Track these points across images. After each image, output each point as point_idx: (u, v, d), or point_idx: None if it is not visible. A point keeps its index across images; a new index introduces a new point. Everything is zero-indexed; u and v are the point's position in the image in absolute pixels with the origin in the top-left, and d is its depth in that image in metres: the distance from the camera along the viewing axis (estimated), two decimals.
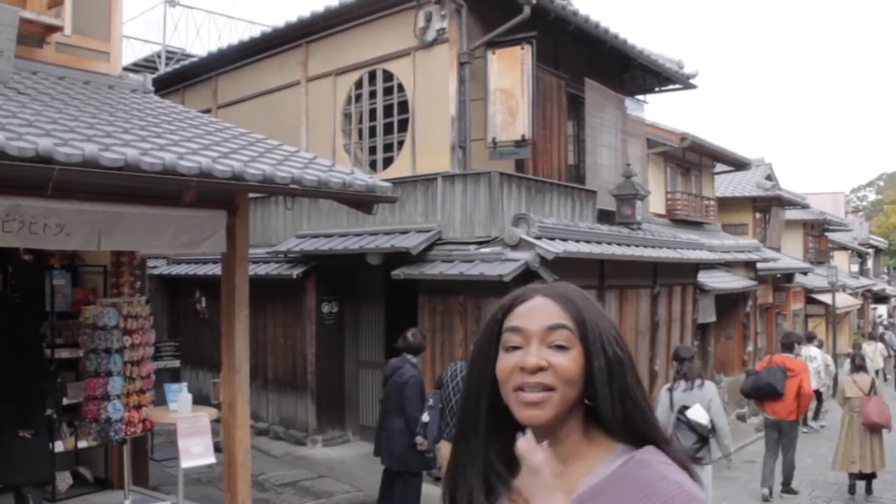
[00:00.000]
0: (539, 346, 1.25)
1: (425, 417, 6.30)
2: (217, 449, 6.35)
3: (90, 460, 7.47)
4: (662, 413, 6.31)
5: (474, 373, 1.36)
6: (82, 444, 6.85)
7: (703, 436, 6.16)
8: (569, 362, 1.24)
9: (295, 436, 10.36)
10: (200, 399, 8.34)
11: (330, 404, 10.39)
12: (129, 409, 6.52)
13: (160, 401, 7.01)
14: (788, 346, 9.25)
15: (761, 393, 8.84)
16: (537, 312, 1.29)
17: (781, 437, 9.05)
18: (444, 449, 6.10)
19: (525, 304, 1.31)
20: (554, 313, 1.28)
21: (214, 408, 7.28)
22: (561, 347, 1.25)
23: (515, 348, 1.27)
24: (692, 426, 6.13)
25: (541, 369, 1.23)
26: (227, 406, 6.30)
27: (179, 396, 6.30)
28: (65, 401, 6.64)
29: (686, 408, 6.23)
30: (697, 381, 6.39)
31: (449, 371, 6.50)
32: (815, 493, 9.44)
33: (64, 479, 6.89)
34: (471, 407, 1.34)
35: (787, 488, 9.24)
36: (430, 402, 6.35)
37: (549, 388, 1.24)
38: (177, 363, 9.33)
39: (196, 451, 5.98)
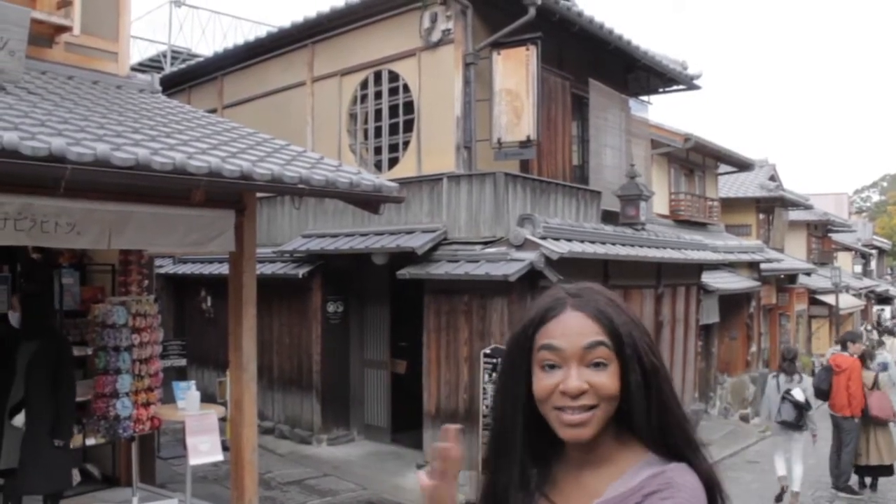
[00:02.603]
0: (578, 367, 1.24)
1: None
2: (223, 447, 6.40)
3: (98, 457, 7.53)
4: (772, 394, 8.89)
5: (508, 388, 1.35)
6: (90, 441, 6.88)
7: (801, 410, 8.58)
8: (608, 380, 1.24)
9: (300, 434, 10.40)
10: (206, 398, 8.35)
11: (335, 403, 10.42)
12: (137, 406, 6.55)
13: (167, 399, 7.06)
14: (842, 343, 9.86)
15: (816, 393, 9.43)
16: (573, 330, 1.26)
17: (837, 432, 9.38)
18: None
19: (557, 320, 1.28)
20: (589, 330, 1.26)
21: (221, 406, 7.33)
22: (599, 364, 1.25)
23: (553, 366, 1.26)
24: (794, 403, 8.58)
25: (583, 392, 1.23)
26: (234, 404, 6.35)
27: (188, 394, 6.34)
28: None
29: (789, 391, 8.65)
30: (796, 376, 8.79)
31: None
32: (818, 493, 9.47)
33: (73, 477, 6.92)
34: (506, 422, 1.34)
35: (838, 484, 9.36)
36: None
37: (591, 408, 1.24)
38: (183, 362, 9.40)
39: (204, 449, 6.02)
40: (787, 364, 8.91)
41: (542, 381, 1.26)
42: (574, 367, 1.24)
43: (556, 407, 1.25)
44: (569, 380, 1.23)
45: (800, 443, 8.78)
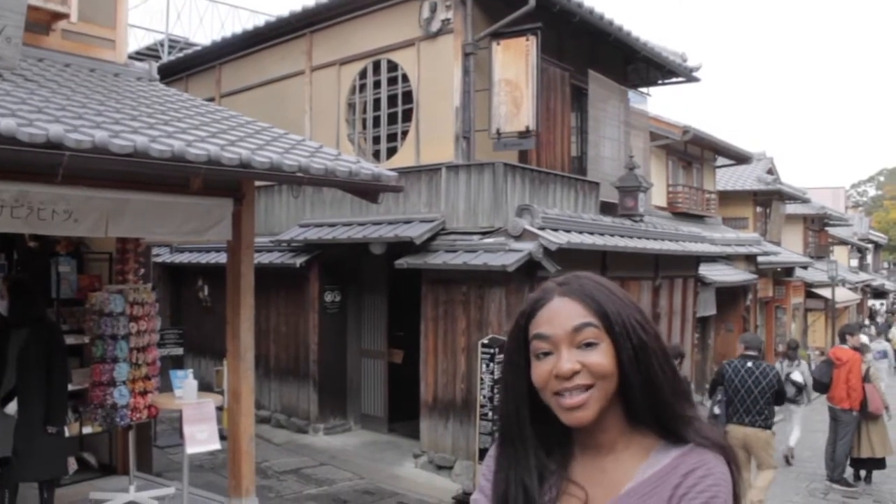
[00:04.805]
0: (569, 349, 1.26)
1: (717, 410, 7.57)
2: (220, 436, 6.38)
3: (94, 446, 7.52)
4: None
5: (508, 382, 1.37)
6: (87, 429, 6.89)
7: (800, 389, 10.46)
8: (600, 358, 1.26)
9: (297, 424, 10.41)
10: (203, 386, 8.35)
11: (332, 393, 10.43)
12: (134, 395, 6.54)
13: (164, 387, 7.05)
14: (841, 336, 10.09)
15: (816, 387, 9.99)
16: (560, 315, 1.29)
17: (835, 425, 9.47)
18: (733, 431, 7.52)
19: (546, 308, 1.31)
20: (577, 313, 1.28)
21: (218, 395, 7.32)
22: (590, 345, 1.26)
23: (546, 354, 1.28)
24: (794, 383, 10.35)
25: (575, 373, 1.25)
26: (231, 393, 6.35)
27: (185, 383, 6.31)
28: (70, 387, 6.65)
29: (790, 374, 10.44)
30: (795, 362, 10.98)
31: (729, 368, 7.72)
32: (814, 486, 9.51)
33: (69, 465, 6.91)
34: (511, 415, 1.36)
35: (833, 476, 9.42)
36: (719, 396, 7.61)
37: (587, 388, 1.25)
38: (180, 351, 9.39)
39: (201, 438, 6.00)
40: (791, 352, 11.30)
41: (538, 370, 1.29)
42: (565, 350, 1.26)
43: (555, 392, 1.27)
44: (560, 362, 1.26)
45: (798, 414, 10.89)
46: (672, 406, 1.29)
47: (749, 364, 7.58)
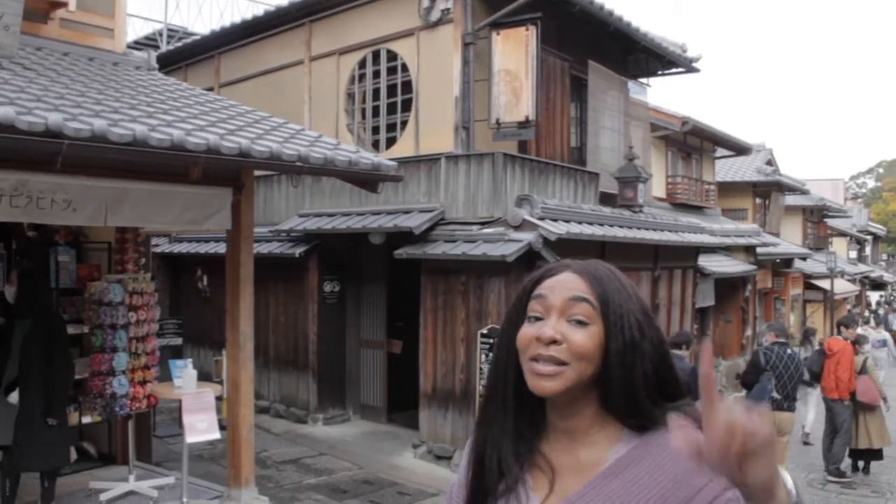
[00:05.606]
0: (558, 318, 1.25)
1: (775, 394, 7.77)
2: (220, 426, 6.39)
3: (94, 436, 7.53)
4: None
5: (503, 341, 1.36)
6: (87, 419, 6.88)
7: (812, 373, 9.92)
8: (584, 338, 1.23)
9: (296, 414, 10.42)
10: (202, 377, 8.36)
11: (331, 383, 10.44)
12: (134, 384, 6.54)
13: (164, 377, 7.05)
14: (838, 327, 10.36)
15: (809, 375, 9.95)
16: (562, 285, 1.28)
17: (830, 415, 9.51)
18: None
19: (553, 278, 1.31)
20: (578, 287, 1.27)
21: (217, 385, 7.32)
22: (580, 322, 1.24)
23: (537, 318, 1.27)
24: (808, 368, 9.75)
25: (555, 342, 1.23)
26: (231, 383, 6.35)
27: (184, 372, 6.32)
28: None
29: (806, 358, 10.57)
30: (809, 346, 11.74)
31: (773, 355, 7.88)
32: (812, 476, 9.53)
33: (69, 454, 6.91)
34: (499, 374, 1.35)
35: (828, 468, 9.45)
36: (774, 381, 7.88)
37: (562, 363, 1.23)
38: (179, 341, 9.38)
39: (201, 427, 6.01)
40: (808, 339, 12.78)
41: (524, 331, 1.28)
42: (554, 317, 1.26)
43: (532, 358, 1.25)
44: (544, 327, 1.25)
45: (812, 396, 11.11)
46: (648, 408, 1.25)
47: (788, 351, 7.88)
